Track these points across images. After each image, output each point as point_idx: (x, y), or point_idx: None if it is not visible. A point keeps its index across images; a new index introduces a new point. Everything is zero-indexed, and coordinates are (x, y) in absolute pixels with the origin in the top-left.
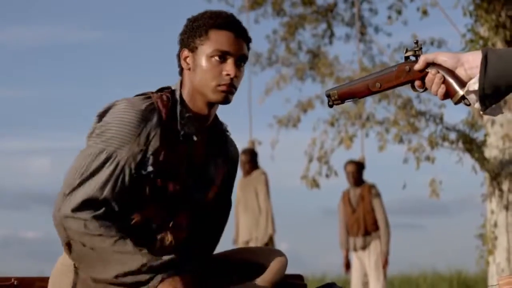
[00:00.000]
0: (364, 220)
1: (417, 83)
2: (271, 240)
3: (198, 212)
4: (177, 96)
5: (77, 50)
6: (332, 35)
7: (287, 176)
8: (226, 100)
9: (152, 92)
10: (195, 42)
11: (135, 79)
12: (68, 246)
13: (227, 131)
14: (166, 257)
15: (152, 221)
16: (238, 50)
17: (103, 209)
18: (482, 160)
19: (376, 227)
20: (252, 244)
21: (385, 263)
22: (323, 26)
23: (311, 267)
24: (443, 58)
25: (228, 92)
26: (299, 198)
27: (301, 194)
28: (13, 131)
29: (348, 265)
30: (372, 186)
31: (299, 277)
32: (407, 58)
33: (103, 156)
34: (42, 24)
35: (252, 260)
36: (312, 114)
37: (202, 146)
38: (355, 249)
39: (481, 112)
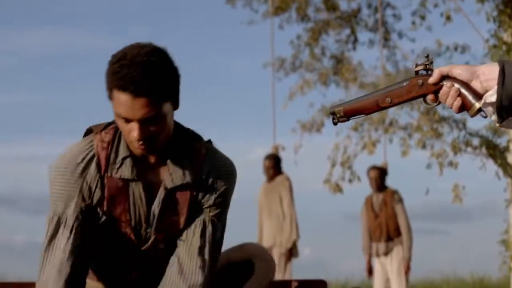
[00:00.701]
0: (386, 225)
1: (430, 96)
2: (294, 245)
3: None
4: (117, 135)
5: (96, 55)
6: (355, 40)
7: (310, 181)
8: (147, 153)
9: (98, 131)
10: (109, 94)
11: None
12: None
13: (195, 150)
14: None
15: (117, 258)
16: (137, 114)
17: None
18: (505, 166)
19: (399, 233)
20: (276, 249)
21: (407, 269)
22: (347, 31)
23: (333, 272)
24: (458, 71)
25: (142, 150)
26: (321, 203)
27: (324, 199)
28: (33, 136)
29: (370, 271)
30: (394, 192)
31: (322, 283)
32: (417, 72)
33: (55, 219)
34: (58, 30)
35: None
36: None
37: (157, 178)
38: (377, 255)
39: (498, 125)
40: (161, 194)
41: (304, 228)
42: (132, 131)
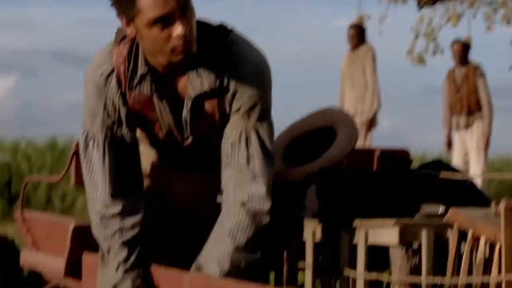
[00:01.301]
0: (467, 99)
1: None
2: (375, 115)
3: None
4: (133, 48)
5: None
6: None
7: (393, 52)
8: (187, 56)
9: (118, 41)
10: (128, 14)
11: None
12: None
13: (215, 51)
14: None
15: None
16: (176, 4)
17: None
18: None
19: (479, 107)
20: (357, 119)
21: (487, 144)
22: None
23: (412, 144)
24: None
25: (186, 49)
26: (403, 75)
27: (406, 70)
28: None
29: (450, 144)
30: (477, 66)
31: (405, 152)
32: None
33: (84, 137)
34: None
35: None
36: None
37: (178, 90)
38: (457, 128)
39: None
40: (187, 104)
41: (384, 99)
42: (173, 31)
